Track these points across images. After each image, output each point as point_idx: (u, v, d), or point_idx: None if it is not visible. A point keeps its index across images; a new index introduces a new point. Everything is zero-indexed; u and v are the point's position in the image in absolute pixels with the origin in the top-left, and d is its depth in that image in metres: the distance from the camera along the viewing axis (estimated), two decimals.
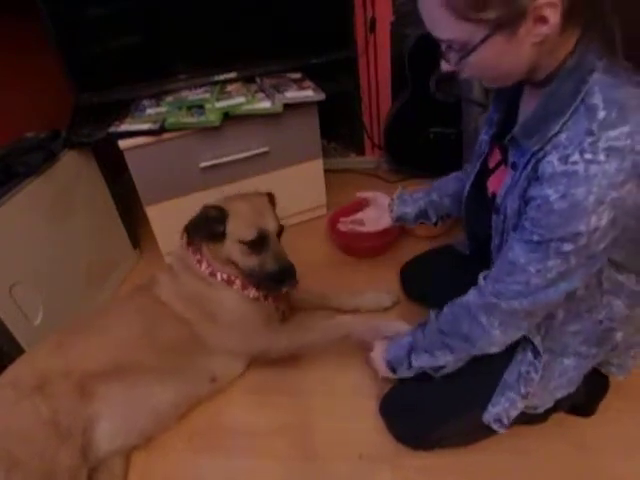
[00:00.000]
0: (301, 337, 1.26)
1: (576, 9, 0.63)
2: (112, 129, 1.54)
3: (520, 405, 0.93)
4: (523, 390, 0.92)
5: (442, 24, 0.68)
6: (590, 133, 0.63)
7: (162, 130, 1.54)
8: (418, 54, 1.86)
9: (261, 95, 1.69)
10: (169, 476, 1.13)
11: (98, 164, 1.66)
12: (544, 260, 0.71)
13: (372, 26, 1.91)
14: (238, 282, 1.22)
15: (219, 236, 1.17)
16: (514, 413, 0.94)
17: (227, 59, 1.77)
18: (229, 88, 1.76)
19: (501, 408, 0.94)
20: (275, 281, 1.19)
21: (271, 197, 1.33)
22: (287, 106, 1.63)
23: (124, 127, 1.54)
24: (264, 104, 1.62)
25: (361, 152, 2.32)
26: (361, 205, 1.86)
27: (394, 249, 1.75)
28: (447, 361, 0.95)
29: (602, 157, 0.62)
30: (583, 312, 0.85)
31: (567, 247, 0.68)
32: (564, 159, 0.65)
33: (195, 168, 1.66)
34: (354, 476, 1.07)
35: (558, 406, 1.03)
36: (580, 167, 0.63)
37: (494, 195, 0.89)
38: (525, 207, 0.73)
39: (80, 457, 1.00)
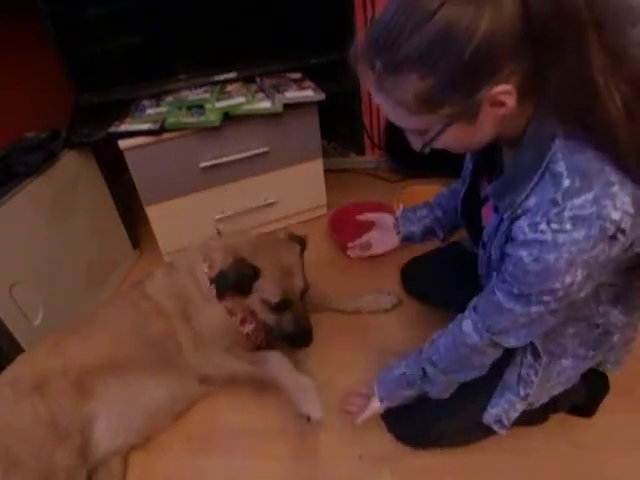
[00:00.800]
0: (236, 365, 1.20)
1: (530, 87, 0.62)
2: (112, 129, 1.54)
3: (520, 407, 0.93)
4: (522, 392, 0.92)
5: (399, 118, 0.70)
6: (555, 203, 0.63)
7: (162, 130, 1.54)
8: None
9: (261, 95, 1.69)
10: (168, 476, 1.13)
11: (98, 164, 1.66)
12: (527, 307, 0.72)
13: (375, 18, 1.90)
14: (239, 316, 1.22)
15: (246, 292, 1.17)
16: (514, 415, 0.94)
17: (227, 59, 1.77)
18: (229, 88, 1.76)
19: (500, 409, 0.94)
20: (289, 341, 1.21)
21: (303, 243, 1.30)
22: (287, 106, 1.63)
23: (124, 127, 1.54)
24: (264, 104, 1.62)
25: (361, 152, 2.31)
26: (362, 206, 1.87)
27: (394, 249, 1.74)
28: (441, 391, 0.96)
29: (568, 226, 0.62)
30: (580, 317, 0.85)
31: (546, 298, 0.69)
32: (533, 227, 0.65)
33: (195, 168, 1.66)
34: (354, 476, 1.07)
35: (558, 406, 1.03)
36: (548, 236, 0.63)
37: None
38: (503, 255, 0.75)
39: (78, 457, 1.01)
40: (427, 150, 0.75)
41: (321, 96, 1.67)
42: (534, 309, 0.71)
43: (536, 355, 0.90)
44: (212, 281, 1.14)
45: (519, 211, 0.69)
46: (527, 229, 0.66)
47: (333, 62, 1.82)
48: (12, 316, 1.23)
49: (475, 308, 0.85)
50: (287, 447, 1.14)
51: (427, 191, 1.91)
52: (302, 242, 1.30)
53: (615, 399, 1.07)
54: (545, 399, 0.97)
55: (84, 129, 1.56)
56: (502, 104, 0.63)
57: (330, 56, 1.81)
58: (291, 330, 1.18)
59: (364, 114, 2.15)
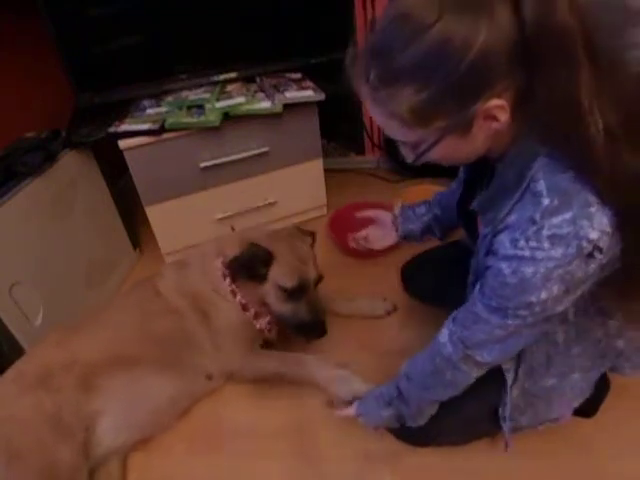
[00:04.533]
0: (267, 365, 1.24)
1: (522, 104, 0.63)
2: (112, 129, 1.54)
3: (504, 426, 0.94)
4: (500, 412, 0.94)
5: (393, 130, 0.70)
6: (533, 221, 0.63)
7: (162, 130, 1.54)
8: None
9: (261, 95, 1.69)
10: (168, 477, 1.13)
11: (98, 164, 1.66)
12: (504, 319, 0.73)
13: (372, 26, 1.90)
14: (252, 311, 1.22)
15: (260, 278, 1.16)
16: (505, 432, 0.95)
17: (227, 59, 1.77)
18: (229, 88, 1.76)
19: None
20: (304, 331, 1.20)
21: (314, 237, 1.32)
22: (287, 106, 1.63)
23: (124, 127, 1.54)
24: (264, 104, 1.62)
25: (361, 152, 2.31)
26: (362, 206, 1.87)
27: (394, 249, 1.74)
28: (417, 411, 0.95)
29: (547, 245, 0.62)
30: (581, 333, 0.85)
31: (523, 313, 0.70)
32: (513, 243, 0.66)
33: (195, 168, 1.66)
34: (354, 476, 1.07)
35: None
36: (527, 253, 0.64)
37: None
38: (485, 267, 0.75)
39: (81, 454, 1.01)
40: (419, 162, 0.76)
41: (321, 96, 1.67)
42: (511, 322, 0.72)
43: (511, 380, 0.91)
44: (226, 265, 1.15)
45: (501, 226, 0.71)
46: (508, 244, 0.67)
47: (333, 62, 1.81)
48: (12, 316, 1.23)
49: (454, 318, 0.85)
50: (287, 447, 1.14)
51: (427, 191, 1.90)
52: (311, 236, 1.32)
53: (616, 400, 1.07)
54: (569, 412, 0.97)
55: (84, 129, 1.56)
56: (495, 119, 0.63)
57: (330, 56, 1.81)
58: (307, 319, 1.17)
59: (364, 114, 2.16)
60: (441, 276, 1.32)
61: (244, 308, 1.22)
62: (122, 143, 1.53)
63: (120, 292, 1.69)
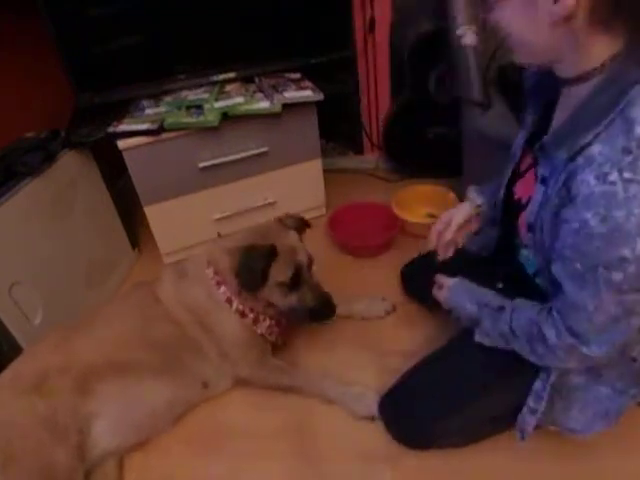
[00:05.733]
0: (282, 380, 1.25)
1: (601, 10, 0.60)
2: (111, 129, 1.54)
3: (529, 419, 0.93)
4: (532, 404, 0.92)
5: None
6: (628, 151, 0.60)
7: (161, 130, 1.54)
8: (417, 54, 1.86)
9: (260, 95, 1.70)
10: (167, 478, 1.13)
11: (97, 164, 1.66)
12: (597, 294, 0.66)
13: (371, 26, 1.91)
14: (251, 317, 1.22)
15: (261, 284, 1.15)
16: (528, 426, 0.94)
17: (226, 59, 1.77)
18: (228, 88, 1.76)
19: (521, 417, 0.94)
20: (315, 316, 1.21)
21: (300, 222, 1.29)
22: (286, 106, 1.63)
23: (123, 127, 1.54)
24: (263, 104, 1.62)
25: (360, 152, 2.32)
26: (361, 206, 1.88)
27: (394, 249, 1.75)
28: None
29: None
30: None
31: (616, 277, 0.63)
32: (601, 178, 0.61)
33: (194, 168, 1.66)
34: (354, 476, 1.07)
35: None
36: (619, 187, 0.60)
37: (519, 200, 0.87)
38: (558, 228, 0.70)
39: (77, 457, 1.00)
40: (498, 21, 0.70)
41: (320, 96, 1.67)
42: (605, 296, 0.65)
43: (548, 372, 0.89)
44: (237, 277, 1.13)
45: (580, 160, 0.65)
46: (593, 181, 0.62)
47: (332, 62, 1.83)
48: (12, 316, 1.23)
49: (558, 310, 0.77)
50: (287, 447, 1.14)
51: (426, 191, 1.92)
52: (299, 221, 1.29)
53: None
54: (588, 431, 0.95)
55: (83, 129, 1.56)
56: (562, 4, 0.60)
57: (329, 56, 1.82)
58: (314, 303, 1.18)
59: (363, 114, 2.16)
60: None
61: (242, 315, 1.21)
62: (121, 143, 1.52)
63: (120, 293, 1.69)
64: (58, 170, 1.46)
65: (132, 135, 1.53)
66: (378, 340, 1.38)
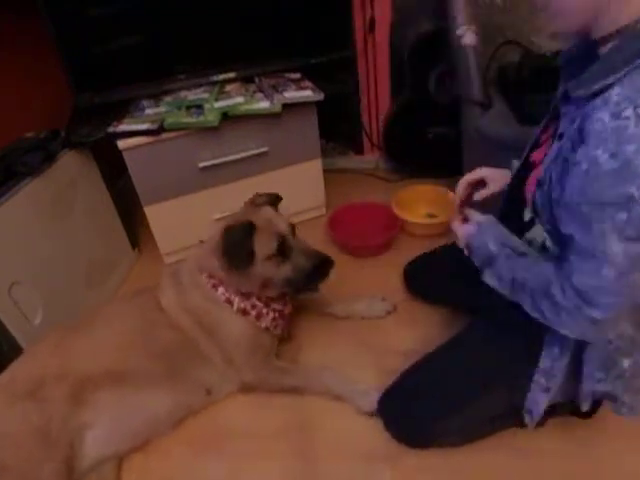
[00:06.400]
0: (287, 381, 1.24)
1: None
2: (111, 129, 1.54)
3: (541, 399, 0.93)
4: (545, 383, 0.91)
5: None
6: None
7: (161, 130, 1.54)
8: (417, 54, 1.86)
9: (260, 95, 1.70)
10: (167, 478, 1.12)
11: (97, 164, 1.66)
12: (603, 237, 0.66)
13: (371, 26, 1.91)
14: (253, 313, 1.20)
15: (250, 259, 1.13)
16: (537, 405, 0.94)
17: (226, 59, 1.77)
18: (228, 88, 1.76)
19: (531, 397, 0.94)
20: (317, 275, 1.18)
21: (273, 197, 1.30)
22: (286, 106, 1.63)
23: (123, 127, 1.54)
24: (263, 104, 1.62)
25: (360, 152, 2.32)
26: (361, 206, 1.88)
27: (394, 249, 1.75)
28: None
29: None
30: None
31: (621, 216, 0.63)
32: (616, 115, 0.63)
33: (194, 168, 1.66)
34: (354, 476, 1.07)
35: (557, 411, 1.03)
36: (631, 122, 0.61)
37: (533, 162, 0.87)
38: (565, 175, 0.70)
39: (66, 470, 0.99)
40: None
41: (320, 96, 1.67)
42: (611, 241, 0.65)
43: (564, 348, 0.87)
44: (223, 259, 1.12)
45: (598, 101, 0.66)
46: (608, 118, 0.63)
47: (332, 62, 1.83)
48: (11, 316, 1.23)
49: (560, 267, 0.77)
50: (287, 447, 1.14)
51: (426, 191, 1.92)
52: (270, 196, 1.29)
53: None
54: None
55: (83, 129, 1.56)
56: None
57: (329, 56, 1.82)
58: (310, 265, 1.16)
59: (363, 114, 2.16)
60: (443, 274, 1.33)
61: (244, 313, 1.20)
62: (121, 143, 1.53)
63: (121, 296, 1.67)
64: (58, 170, 1.46)
65: (132, 135, 1.53)
66: (378, 340, 1.38)
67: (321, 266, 1.17)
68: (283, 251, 1.15)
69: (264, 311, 1.22)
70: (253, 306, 1.21)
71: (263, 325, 1.22)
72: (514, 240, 0.91)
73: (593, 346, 0.85)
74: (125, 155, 1.55)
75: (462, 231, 1.01)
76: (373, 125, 2.19)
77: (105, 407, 1.07)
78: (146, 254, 1.91)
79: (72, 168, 1.53)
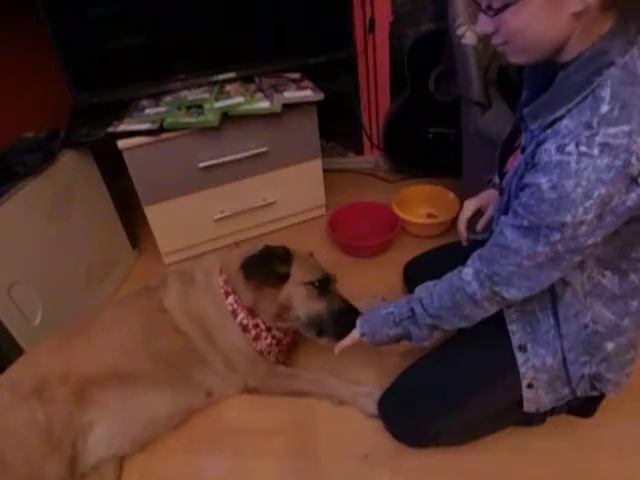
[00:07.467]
0: (292, 386, 1.24)
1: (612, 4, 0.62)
2: (111, 129, 1.54)
3: (529, 395, 0.94)
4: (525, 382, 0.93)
5: None
6: (589, 126, 0.63)
7: (161, 130, 1.54)
8: (417, 54, 1.86)
9: (260, 95, 1.70)
10: (169, 477, 1.12)
11: (97, 164, 1.66)
12: (534, 246, 0.72)
13: (371, 26, 1.91)
14: (253, 332, 1.19)
15: (280, 279, 1.14)
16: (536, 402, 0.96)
17: (226, 59, 1.77)
18: (228, 88, 1.76)
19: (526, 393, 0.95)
20: (342, 322, 1.14)
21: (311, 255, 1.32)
22: (286, 106, 1.63)
23: (123, 127, 1.54)
24: (263, 104, 1.62)
25: (360, 152, 2.32)
26: (361, 206, 1.88)
27: (394, 249, 1.75)
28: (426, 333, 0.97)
29: (595, 151, 0.63)
30: (571, 316, 0.86)
31: (555, 236, 0.69)
32: (560, 149, 0.66)
33: (194, 168, 1.66)
34: (354, 476, 1.07)
35: (556, 410, 1.03)
36: (573, 158, 0.64)
37: (506, 172, 0.90)
38: (520, 191, 0.75)
39: (68, 470, 0.99)
40: (497, 37, 0.71)
41: (320, 96, 1.67)
42: (541, 249, 0.72)
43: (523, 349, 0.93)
44: (241, 267, 1.13)
45: (549, 131, 0.70)
46: (554, 151, 0.67)
47: (332, 62, 1.83)
48: (11, 316, 1.22)
49: (480, 256, 0.85)
50: (287, 447, 1.14)
51: (426, 191, 1.92)
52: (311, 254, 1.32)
53: (615, 400, 1.07)
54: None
55: (83, 129, 1.56)
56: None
57: (329, 56, 1.81)
58: (342, 307, 1.17)
59: (363, 114, 2.16)
60: (443, 274, 1.32)
61: (244, 329, 1.19)
62: (121, 143, 1.52)
63: (124, 295, 1.66)
64: (58, 170, 1.46)
65: (132, 135, 1.53)
66: None
67: (350, 314, 1.15)
68: (325, 286, 1.16)
69: (263, 335, 1.21)
70: (255, 325, 1.20)
71: (258, 347, 1.21)
72: (392, 312, 1.00)
73: (570, 334, 0.88)
74: (125, 155, 1.55)
75: (351, 342, 1.08)
76: (373, 125, 2.19)
77: (108, 408, 1.07)
78: (146, 254, 1.91)
79: (72, 168, 1.53)
